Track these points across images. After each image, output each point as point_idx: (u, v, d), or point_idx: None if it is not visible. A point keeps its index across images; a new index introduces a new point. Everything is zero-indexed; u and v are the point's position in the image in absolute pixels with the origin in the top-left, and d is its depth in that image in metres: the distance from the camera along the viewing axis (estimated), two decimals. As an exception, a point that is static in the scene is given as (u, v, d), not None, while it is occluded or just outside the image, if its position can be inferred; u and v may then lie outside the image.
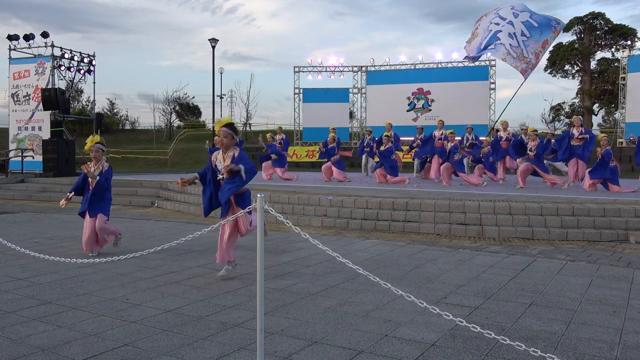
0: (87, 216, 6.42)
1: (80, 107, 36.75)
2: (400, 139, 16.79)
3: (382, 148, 13.58)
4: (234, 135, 5.09)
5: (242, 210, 4.38)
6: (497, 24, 13.94)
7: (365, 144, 16.61)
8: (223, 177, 5.10)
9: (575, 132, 12.35)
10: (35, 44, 18.71)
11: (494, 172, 13.93)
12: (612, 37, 33.58)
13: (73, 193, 6.49)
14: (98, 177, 6.34)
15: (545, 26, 13.71)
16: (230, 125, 5.07)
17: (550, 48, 30.37)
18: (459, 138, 13.51)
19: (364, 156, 17.28)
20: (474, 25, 14.82)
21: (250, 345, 3.40)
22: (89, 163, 6.55)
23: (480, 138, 15.25)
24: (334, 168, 14.31)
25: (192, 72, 76.73)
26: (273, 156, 14.96)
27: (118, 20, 76.51)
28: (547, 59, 35.23)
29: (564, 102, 37.11)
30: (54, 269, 5.58)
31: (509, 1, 14.79)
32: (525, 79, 14.07)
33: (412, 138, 15.86)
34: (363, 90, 27.10)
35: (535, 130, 12.12)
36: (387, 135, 13.63)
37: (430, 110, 25.82)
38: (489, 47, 14.04)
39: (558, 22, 14.08)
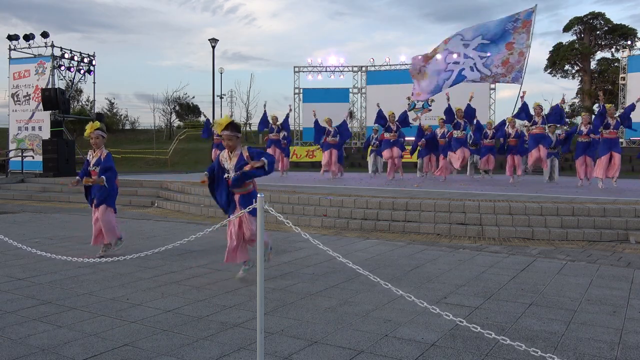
0: (93, 207, 6.27)
1: (80, 107, 36.75)
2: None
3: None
4: (238, 135, 5.05)
5: (244, 210, 4.33)
6: (457, 62, 13.55)
7: (372, 142, 16.63)
8: (229, 176, 5.04)
9: (583, 129, 12.29)
10: (35, 44, 18.71)
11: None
12: (612, 37, 33.61)
13: (80, 178, 6.27)
14: (104, 178, 6.10)
15: (500, 35, 13.03)
16: (231, 126, 4.98)
17: (550, 48, 30.39)
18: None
19: (372, 155, 17.28)
20: (417, 66, 13.74)
21: (250, 345, 3.40)
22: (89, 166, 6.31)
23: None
24: (334, 156, 14.45)
25: (192, 72, 76.77)
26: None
27: (118, 20, 76.52)
28: (547, 59, 35.25)
29: (564, 102, 37.11)
30: (54, 269, 5.58)
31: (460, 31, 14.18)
32: (521, 84, 13.77)
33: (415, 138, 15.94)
34: (363, 90, 27.10)
35: (540, 105, 12.32)
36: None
37: (430, 110, 25.81)
38: (458, 83, 13.74)
39: (515, 18, 13.01)
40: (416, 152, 16.18)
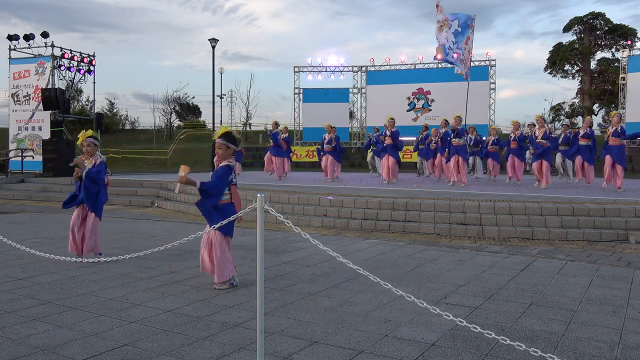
0: (79, 209, 5.99)
1: (80, 107, 36.72)
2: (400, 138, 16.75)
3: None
4: (229, 146, 4.78)
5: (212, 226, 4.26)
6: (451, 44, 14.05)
7: (373, 142, 16.64)
8: None
9: (581, 132, 12.72)
10: (35, 44, 18.72)
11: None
12: (612, 37, 33.62)
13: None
14: (87, 168, 5.91)
15: (464, 25, 13.71)
16: (225, 136, 4.78)
17: (550, 48, 30.38)
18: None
19: (370, 154, 17.35)
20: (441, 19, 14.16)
21: (250, 345, 3.40)
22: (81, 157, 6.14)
23: (483, 138, 15.55)
24: (330, 159, 14.53)
25: (192, 72, 76.84)
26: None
27: (118, 20, 76.61)
28: (547, 59, 35.26)
29: (564, 102, 37.18)
30: (54, 269, 5.57)
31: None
32: (468, 80, 14.28)
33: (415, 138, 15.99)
34: (363, 90, 27.09)
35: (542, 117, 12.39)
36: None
37: (430, 110, 25.82)
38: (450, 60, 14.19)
39: (470, 17, 13.99)
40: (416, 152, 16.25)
